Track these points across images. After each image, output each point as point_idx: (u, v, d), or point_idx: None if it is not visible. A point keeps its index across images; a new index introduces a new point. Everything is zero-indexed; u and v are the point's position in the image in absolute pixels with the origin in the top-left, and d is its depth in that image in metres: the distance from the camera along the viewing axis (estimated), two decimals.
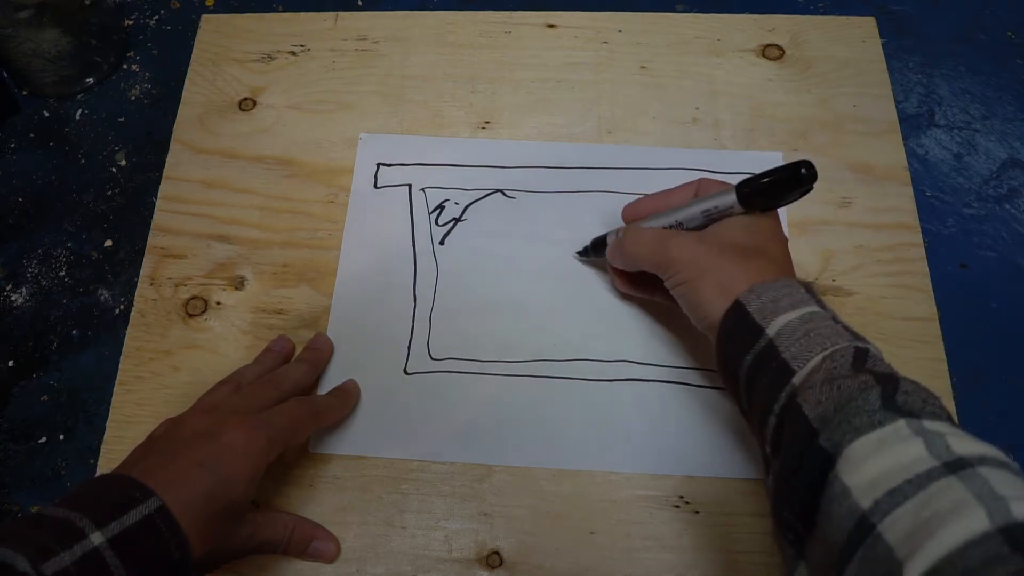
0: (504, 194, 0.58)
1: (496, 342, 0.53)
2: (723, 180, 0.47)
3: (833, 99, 0.60)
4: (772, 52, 0.62)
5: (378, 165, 0.59)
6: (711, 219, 0.45)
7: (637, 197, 0.51)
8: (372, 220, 0.57)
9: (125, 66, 0.67)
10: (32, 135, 0.64)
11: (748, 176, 0.44)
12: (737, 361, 0.40)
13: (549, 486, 0.49)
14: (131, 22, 0.69)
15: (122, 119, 0.64)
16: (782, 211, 0.55)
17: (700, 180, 0.48)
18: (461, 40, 0.63)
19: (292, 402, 0.46)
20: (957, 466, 0.30)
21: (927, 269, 0.54)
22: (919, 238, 0.55)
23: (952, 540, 0.28)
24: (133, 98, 0.65)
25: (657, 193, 0.50)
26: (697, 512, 0.48)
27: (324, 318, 0.54)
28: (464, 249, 0.56)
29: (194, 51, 0.64)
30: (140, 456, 0.41)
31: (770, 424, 0.38)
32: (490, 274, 0.55)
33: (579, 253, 0.55)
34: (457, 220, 0.57)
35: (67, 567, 0.33)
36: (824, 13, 0.66)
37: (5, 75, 0.64)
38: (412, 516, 0.48)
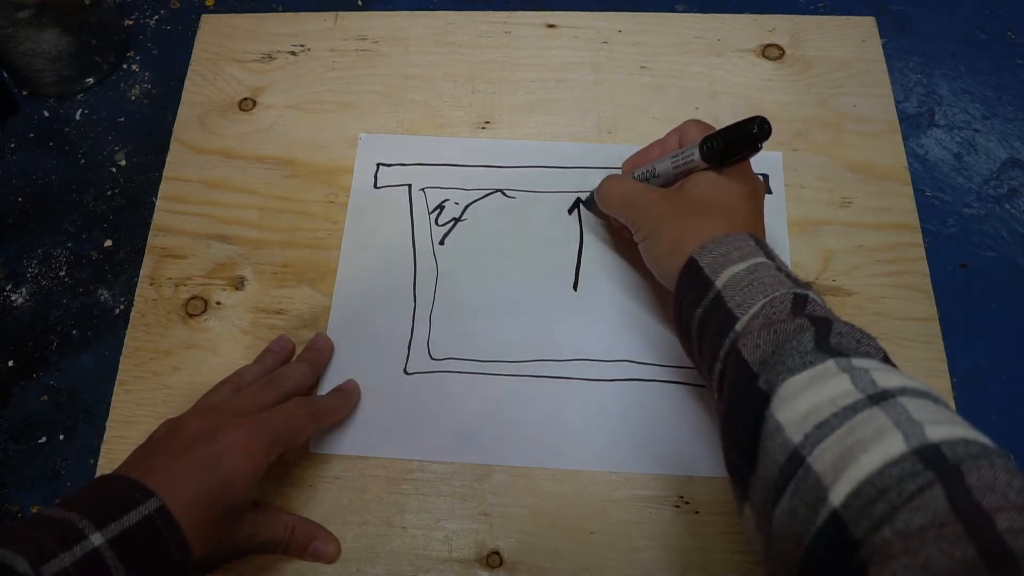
0: (504, 194, 0.58)
1: (496, 342, 0.53)
2: (708, 124, 0.48)
3: (833, 99, 0.60)
4: (772, 52, 0.62)
5: (378, 165, 0.59)
6: (681, 172, 0.47)
7: None
8: (372, 220, 0.57)
9: (125, 66, 0.66)
10: (32, 135, 0.64)
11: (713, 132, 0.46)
12: (690, 314, 0.42)
13: (549, 486, 0.49)
14: (131, 22, 0.69)
15: (122, 119, 0.64)
16: (781, 208, 0.56)
17: (685, 123, 0.49)
18: (461, 40, 0.63)
19: (292, 402, 0.46)
20: (880, 397, 0.32)
21: (927, 269, 0.54)
22: (919, 238, 0.55)
23: (872, 463, 0.30)
24: (133, 98, 0.65)
25: (650, 144, 0.51)
26: (697, 512, 0.48)
27: (324, 318, 0.54)
28: (464, 249, 0.56)
29: (194, 51, 0.64)
30: (140, 457, 0.41)
31: (716, 371, 0.40)
32: (490, 274, 0.55)
33: (583, 203, 0.56)
34: (457, 220, 0.57)
35: (67, 568, 0.33)
36: (824, 13, 0.66)
37: (5, 75, 0.64)
38: (412, 516, 0.48)
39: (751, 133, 0.44)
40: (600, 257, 0.55)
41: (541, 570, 0.47)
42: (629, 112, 0.60)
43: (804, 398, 0.34)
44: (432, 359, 0.52)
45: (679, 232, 0.44)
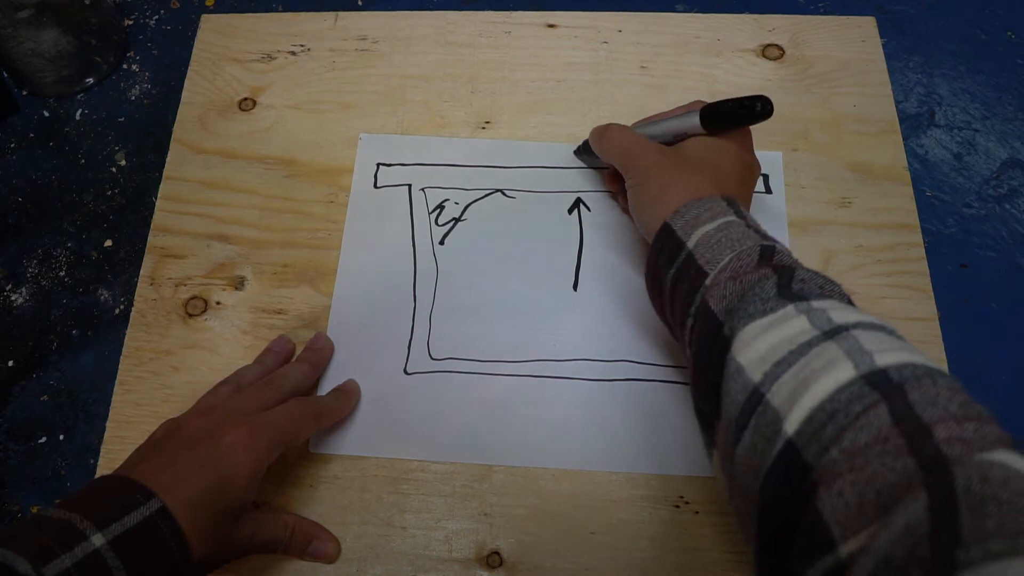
0: (504, 194, 0.58)
1: (496, 342, 0.53)
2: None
3: (833, 99, 0.60)
4: (772, 52, 0.62)
5: (378, 165, 0.59)
6: (680, 136, 0.49)
7: None
8: (372, 220, 0.57)
9: (125, 66, 0.66)
10: (32, 135, 0.64)
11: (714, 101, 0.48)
12: (663, 275, 0.43)
13: (549, 486, 0.49)
14: (131, 22, 0.69)
15: (122, 119, 0.64)
16: (781, 208, 0.56)
17: (693, 102, 0.50)
18: (461, 40, 0.63)
19: (292, 402, 0.46)
20: (834, 332, 0.33)
21: (927, 269, 0.54)
22: (919, 238, 0.55)
23: (823, 391, 0.31)
24: (133, 98, 0.65)
25: (658, 114, 0.53)
26: (697, 512, 0.48)
27: (324, 318, 0.54)
28: (464, 249, 0.56)
29: (194, 51, 0.64)
30: (141, 457, 0.41)
31: (687, 326, 0.41)
32: (490, 274, 0.55)
33: (575, 152, 0.58)
34: (457, 220, 0.57)
35: (68, 569, 0.33)
36: (824, 13, 0.66)
37: (5, 75, 0.64)
38: (412, 516, 0.48)
39: (753, 110, 0.46)
40: (600, 257, 0.55)
41: (541, 570, 0.47)
42: (629, 112, 0.60)
43: (763, 339, 0.35)
44: (432, 359, 0.52)
45: (666, 184, 0.46)
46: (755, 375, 0.34)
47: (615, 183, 0.56)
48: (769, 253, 0.39)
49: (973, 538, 0.23)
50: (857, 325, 0.34)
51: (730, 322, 0.37)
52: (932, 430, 0.28)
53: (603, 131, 0.52)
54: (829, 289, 0.37)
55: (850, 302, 0.37)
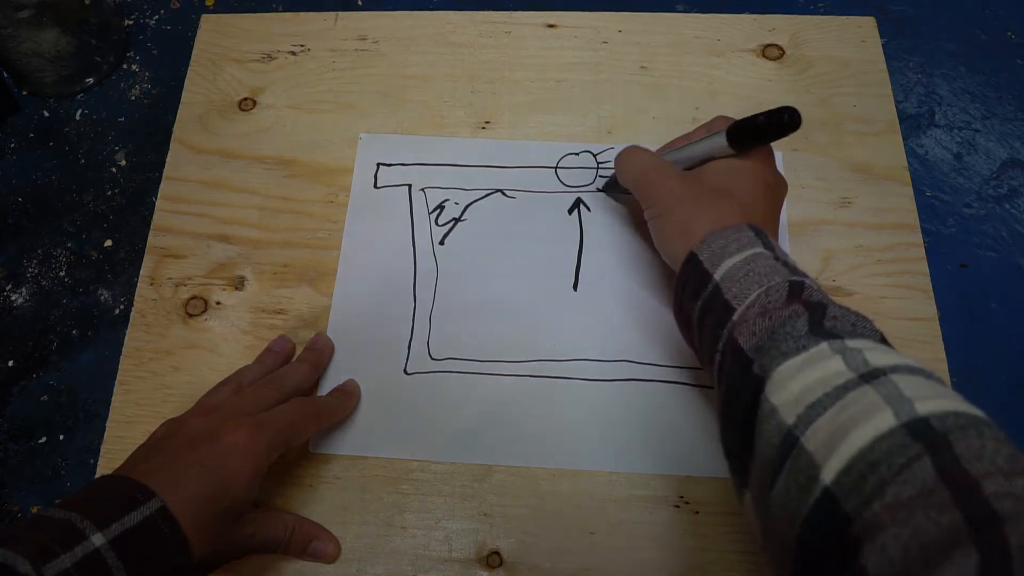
0: (504, 194, 0.58)
1: (496, 342, 0.53)
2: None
3: (833, 99, 0.60)
4: (772, 52, 0.62)
5: (378, 165, 0.59)
6: (707, 159, 0.47)
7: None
8: (372, 220, 0.57)
9: (125, 66, 0.67)
10: (32, 135, 0.64)
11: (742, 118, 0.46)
12: (690, 307, 0.42)
13: (549, 486, 0.49)
14: (131, 22, 0.69)
15: (122, 119, 0.64)
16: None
17: (714, 118, 0.50)
18: (461, 40, 0.63)
19: (293, 403, 0.46)
20: (871, 376, 0.32)
21: (927, 269, 0.54)
22: (919, 238, 0.55)
23: (862, 439, 0.30)
24: (133, 98, 0.65)
25: (682, 136, 0.52)
26: (697, 512, 0.48)
27: (324, 318, 0.54)
28: (464, 249, 0.56)
29: (194, 51, 0.64)
30: (141, 457, 0.41)
31: (716, 361, 0.40)
32: (490, 274, 0.55)
33: (601, 188, 0.57)
34: (457, 220, 0.57)
35: (68, 568, 0.33)
36: (824, 13, 0.66)
37: (5, 75, 0.64)
38: (412, 516, 0.48)
39: (782, 122, 0.44)
40: (600, 257, 0.55)
41: (541, 570, 0.47)
42: (629, 112, 0.60)
43: (797, 380, 0.34)
44: (432, 359, 0.52)
45: (689, 215, 0.44)
46: (789, 417, 0.33)
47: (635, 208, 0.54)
48: (798, 288, 0.38)
49: None
50: (895, 368, 0.32)
51: (760, 360, 0.36)
52: (980, 484, 0.26)
53: (627, 153, 0.50)
54: (862, 327, 0.36)
55: (883, 340, 0.36)
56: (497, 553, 0.47)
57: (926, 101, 0.63)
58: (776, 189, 0.47)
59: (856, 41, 0.62)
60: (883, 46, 0.62)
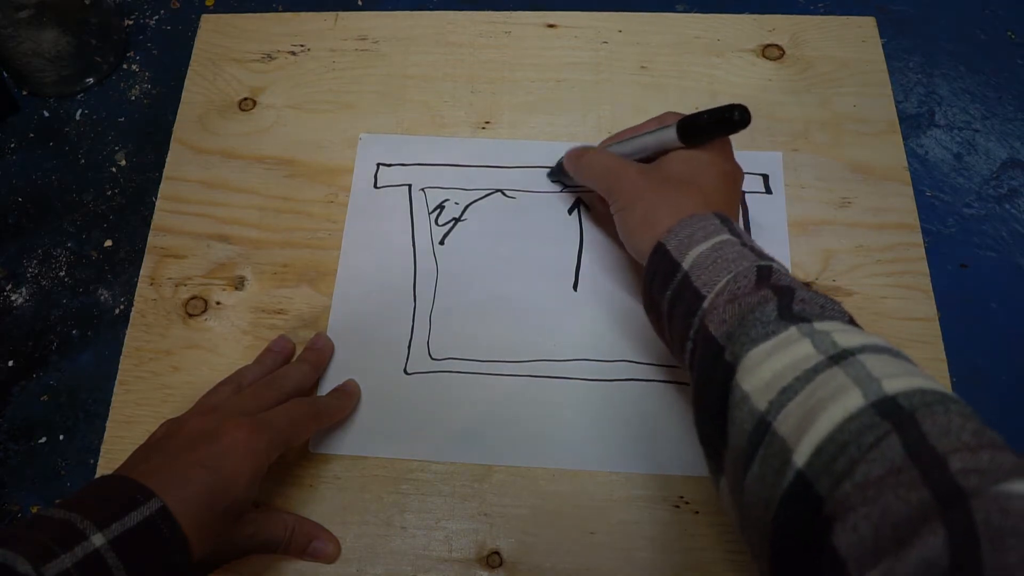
0: (504, 194, 0.58)
1: (496, 342, 0.53)
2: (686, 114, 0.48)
3: (833, 99, 0.60)
4: (772, 52, 0.62)
5: (378, 165, 0.59)
6: (658, 151, 0.48)
7: None
8: (372, 220, 0.57)
9: (125, 66, 0.67)
10: (32, 135, 0.64)
11: (690, 114, 0.47)
12: (660, 297, 0.43)
13: (549, 486, 0.49)
14: (131, 22, 0.69)
15: (122, 119, 0.64)
16: (781, 208, 0.56)
17: (663, 114, 0.50)
18: (461, 40, 0.63)
19: (293, 403, 0.46)
20: (840, 357, 0.33)
21: (927, 269, 0.54)
22: (919, 238, 0.55)
23: (831, 421, 0.30)
24: (133, 98, 0.65)
25: (626, 129, 0.52)
26: (697, 512, 0.48)
27: (324, 318, 0.54)
28: (464, 249, 0.56)
29: (194, 51, 0.64)
30: (141, 457, 0.41)
31: (687, 350, 0.40)
32: (490, 274, 0.55)
33: (549, 174, 0.57)
34: (457, 220, 0.57)
35: (68, 569, 0.33)
36: (824, 13, 0.66)
37: (5, 75, 0.64)
38: (412, 516, 0.48)
39: (731, 120, 0.45)
40: (600, 257, 0.55)
41: (541, 570, 0.47)
42: (629, 112, 0.60)
43: (768, 365, 0.34)
44: (432, 359, 0.52)
45: (652, 207, 0.45)
46: (760, 403, 0.33)
47: (604, 205, 0.55)
48: (766, 273, 0.39)
49: (996, 573, 0.23)
50: (863, 349, 0.33)
51: (732, 347, 0.36)
52: (947, 460, 0.27)
53: (579, 155, 0.51)
54: (831, 309, 0.37)
55: (852, 321, 0.37)
56: (497, 553, 0.47)
57: (926, 101, 0.63)
58: (734, 176, 0.48)
59: (856, 41, 0.62)
60: (883, 46, 0.62)
